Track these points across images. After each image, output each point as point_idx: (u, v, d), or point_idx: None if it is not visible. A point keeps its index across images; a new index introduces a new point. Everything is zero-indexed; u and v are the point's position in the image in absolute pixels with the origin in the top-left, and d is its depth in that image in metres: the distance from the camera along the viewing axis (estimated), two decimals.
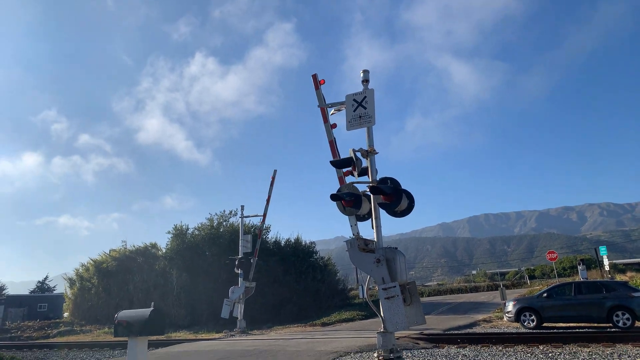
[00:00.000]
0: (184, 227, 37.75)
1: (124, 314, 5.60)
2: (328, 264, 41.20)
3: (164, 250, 38.85)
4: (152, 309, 5.40)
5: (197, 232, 37.37)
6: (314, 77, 10.53)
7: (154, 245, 40.59)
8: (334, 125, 10.18)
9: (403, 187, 9.56)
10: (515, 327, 17.66)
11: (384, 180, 9.62)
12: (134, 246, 40.79)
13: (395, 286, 8.27)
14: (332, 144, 10.07)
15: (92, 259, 40.89)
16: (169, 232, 37.89)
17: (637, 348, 10.85)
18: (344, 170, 9.95)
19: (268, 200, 25.69)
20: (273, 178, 25.51)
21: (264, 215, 26.06)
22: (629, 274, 36.36)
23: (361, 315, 28.30)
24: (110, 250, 41.03)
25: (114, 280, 36.70)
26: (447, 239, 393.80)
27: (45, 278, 72.50)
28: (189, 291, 33.07)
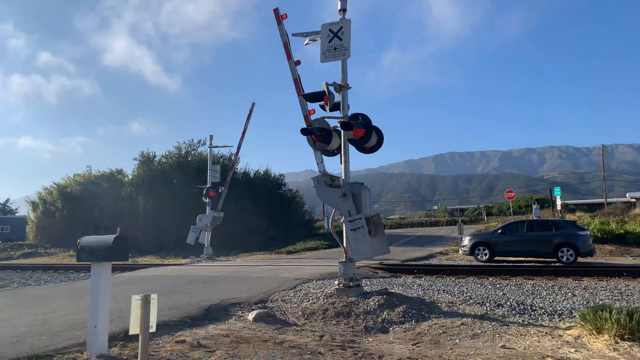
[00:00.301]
0: (151, 154, 37.12)
1: (87, 239, 5.54)
2: (296, 196, 41.83)
3: (130, 177, 38.35)
4: (116, 235, 5.35)
5: (164, 160, 36.85)
6: (276, 11, 9.99)
7: (120, 172, 39.94)
8: (298, 62, 9.85)
9: (374, 123, 9.55)
10: (469, 260, 18.70)
11: (355, 116, 9.55)
12: (99, 171, 40.07)
13: (360, 218, 8.50)
14: (297, 81, 9.80)
15: (55, 183, 40.12)
16: (135, 159, 37.26)
17: (577, 281, 11.74)
18: (310, 109, 9.79)
19: (243, 134, 25.25)
20: (250, 111, 24.85)
21: (238, 148, 25.77)
22: (578, 213, 38.53)
23: (325, 245, 29.28)
24: (74, 175, 40.27)
25: (79, 205, 36.28)
26: (412, 175, 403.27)
27: (7, 200, 70.98)
28: (156, 218, 33.13)
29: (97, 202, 35.77)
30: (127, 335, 5.88)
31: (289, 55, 9.94)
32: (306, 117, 9.71)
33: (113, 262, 5.57)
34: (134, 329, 4.34)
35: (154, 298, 4.51)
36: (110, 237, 5.31)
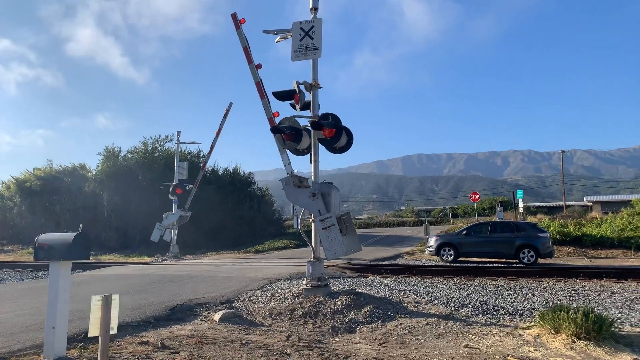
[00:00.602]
0: (116, 149, 36.11)
1: (45, 237, 5.32)
2: (265, 195, 41.57)
3: (94, 172, 37.23)
4: (76, 232, 5.15)
5: (130, 156, 35.93)
6: (234, 16, 9.87)
7: (83, 166, 38.72)
8: (259, 66, 9.78)
9: (344, 124, 9.57)
10: (434, 261, 19.02)
11: (326, 116, 9.54)
12: (60, 166, 38.74)
13: (331, 216, 8.49)
14: (259, 84, 9.71)
15: (14, 177, 38.48)
16: (99, 154, 36.20)
17: (537, 282, 12.12)
18: (274, 111, 9.73)
19: (218, 133, 24.64)
20: (227, 111, 24.25)
21: (211, 148, 25.11)
22: (539, 216, 39.84)
23: (294, 244, 29.20)
24: (34, 169, 38.69)
25: (39, 201, 34.92)
26: (380, 175, 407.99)
27: None
28: (120, 215, 32.24)
29: (58, 197, 34.52)
30: (87, 337, 5.68)
31: (250, 60, 9.83)
32: (270, 120, 9.62)
33: (73, 261, 5.37)
34: (94, 330, 4.19)
35: (115, 298, 4.37)
36: (70, 235, 5.11)
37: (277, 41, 10.21)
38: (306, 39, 9.47)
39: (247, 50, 9.90)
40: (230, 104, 24.49)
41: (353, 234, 9.00)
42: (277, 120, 9.64)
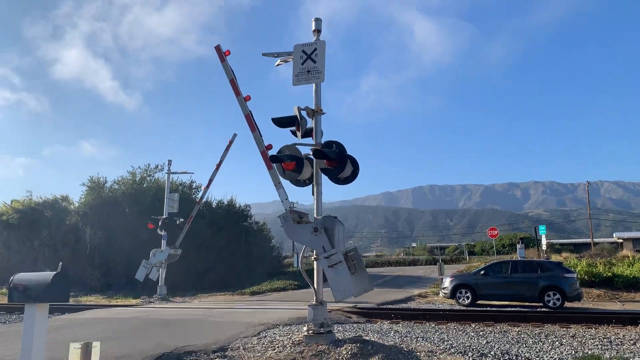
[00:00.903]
0: (101, 179, 36.32)
1: (21, 276, 5.28)
2: (263, 229, 41.42)
3: (76, 205, 37.35)
4: (55, 272, 5.12)
5: (116, 187, 36.10)
6: (218, 48, 10.10)
7: (65, 198, 38.83)
8: (248, 98, 9.95)
9: (349, 152, 9.62)
10: (450, 304, 18.74)
11: (329, 144, 9.61)
12: (41, 198, 38.80)
13: (337, 253, 8.40)
14: (249, 117, 9.85)
15: None
16: (83, 185, 36.38)
17: (564, 329, 11.88)
18: (267, 143, 9.81)
19: (218, 166, 24.04)
20: (230, 142, 23.48)
21: (210, 181, 24.66)
22: (564, 254, 39.49)
23: (294, 285, 28.87)
24: (12, 201, 38.77)
25: (16, 235, 34.88)
26: (389, 208, 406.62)
27: None
28: (104, 251, 32.10)
29: (38, 232, 34.46)
30: None
31: (237, 92, 9.98)
32: (263, 153, 9.63)
33: (51, 303, 5.31)
34: None
35: (96, 346, 4.30)
36: (48, 275, 5.07)
37: (278, 64, 10.40)
38: (308, 62, 9.64)
39: (234, 83, 10.05)
40: (234, 135, 23.64)
41: (363, 272, 8.91)
42: (272, 152, 9.65)
